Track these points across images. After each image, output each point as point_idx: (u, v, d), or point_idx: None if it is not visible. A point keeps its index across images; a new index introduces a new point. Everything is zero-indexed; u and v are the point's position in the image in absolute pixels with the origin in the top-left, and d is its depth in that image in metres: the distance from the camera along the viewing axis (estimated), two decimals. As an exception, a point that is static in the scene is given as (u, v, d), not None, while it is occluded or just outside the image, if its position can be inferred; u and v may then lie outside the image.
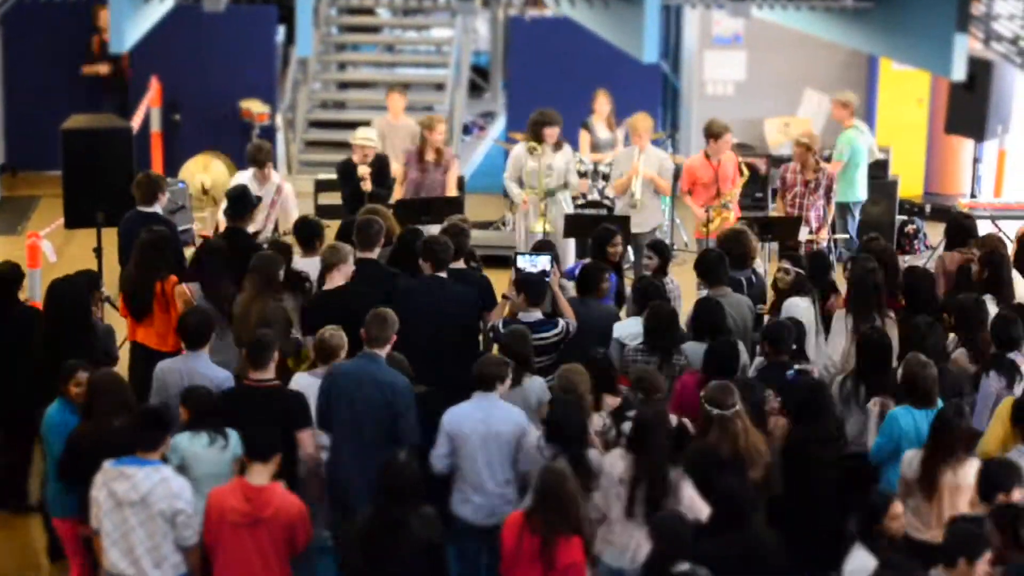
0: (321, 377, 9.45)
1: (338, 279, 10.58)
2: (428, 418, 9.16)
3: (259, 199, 12.58)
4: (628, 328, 10.37)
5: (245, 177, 13.36)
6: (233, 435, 8.73)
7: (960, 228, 12.37)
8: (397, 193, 14.24)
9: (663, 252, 11.36)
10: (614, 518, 8.48)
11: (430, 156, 14.36)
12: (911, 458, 8.78)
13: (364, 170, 13.78)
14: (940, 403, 9.20)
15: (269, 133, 19.61)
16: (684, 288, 11.53)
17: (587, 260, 11.65)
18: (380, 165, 13.91)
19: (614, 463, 8.51)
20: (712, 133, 14.36)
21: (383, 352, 9.32)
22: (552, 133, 14.18)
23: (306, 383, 9.53)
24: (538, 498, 7.99)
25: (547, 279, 10.62)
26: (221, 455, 8.66)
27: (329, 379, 9.30)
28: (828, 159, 15.24)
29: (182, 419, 8.84)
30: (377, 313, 9.39)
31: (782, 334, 9.88)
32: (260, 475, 8.18)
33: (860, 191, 15.67)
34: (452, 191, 14.34)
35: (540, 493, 7.99)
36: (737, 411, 8.75)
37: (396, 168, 15.11)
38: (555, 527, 7.86)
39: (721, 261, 10.93)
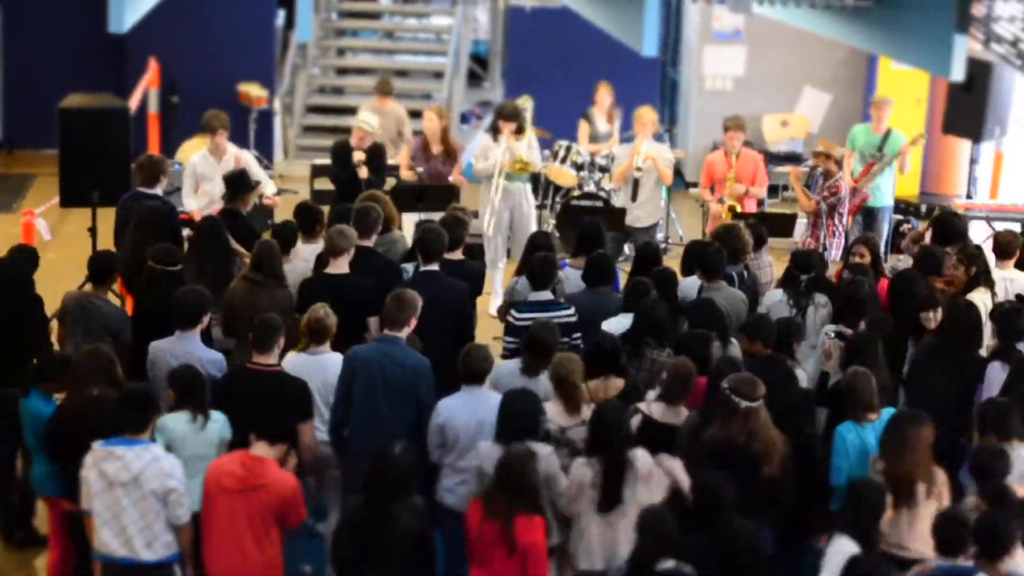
0: (314, 356, 9.46)
1: (343, 265, 10.56)
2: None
3: (257, 182, 12.57)
4: (614, 324, 10.30)
5: (198, 157, 13.37)
6: (219, 417, 8.74)
7: (948, 226, 12.36)
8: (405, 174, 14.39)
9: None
10: (586, 524, 8.42)
11: (435, 148, 14.34)
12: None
13: (359, 156, 13.77)
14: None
15: (267, 117, 19.65)
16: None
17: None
18: (376, 154, 13.90)
19: (581, 471, 8.46)
20: (723, 127, 14.45)
21: (402, 335, 9.31)
22: (507, 126, 14.29)
23: (298, 362, 9.51)
24: (497, 479, 8.00)
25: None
26: (203, 435, 8.66)
27: (350, 365, 9.23)
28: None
29: (171, 398, 8.83)
30: (395, 295, 9.37)
31: (761, 328, 9.84)
32: (263, 451, 8.22)
33: None
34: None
35: (499, 473, 7.99)
36: (761, 405, 8.63)
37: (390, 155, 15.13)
38: (513, 507, 7.87)
39: (719, 255, 10.90)
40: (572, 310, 10.34)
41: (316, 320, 9.53)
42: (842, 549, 7.69)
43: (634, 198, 14.41)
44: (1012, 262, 11.76)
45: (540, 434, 8.62)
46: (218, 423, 8.72)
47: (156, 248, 10.59)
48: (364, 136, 13.84)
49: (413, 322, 9.37)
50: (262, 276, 10.41)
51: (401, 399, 9.10)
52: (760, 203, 14.57)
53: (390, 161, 15.12)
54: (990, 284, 11.35)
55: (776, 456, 8.64)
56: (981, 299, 11.13)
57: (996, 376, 9.84)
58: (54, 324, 10.59)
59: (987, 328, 10.61)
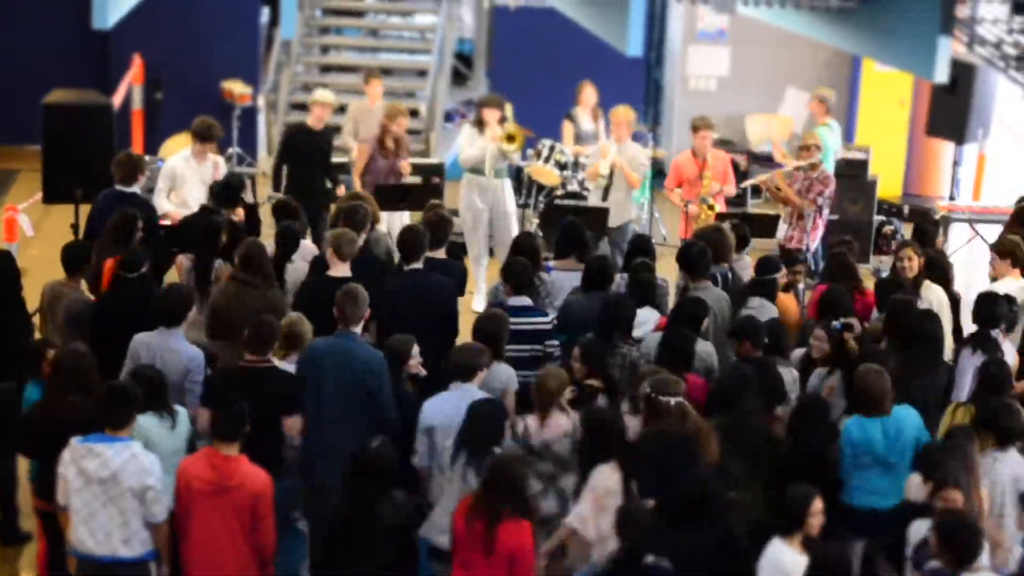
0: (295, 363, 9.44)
1: (344, 269, 10.46)
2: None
3: (243, 184, 12.57)
4: (646, 325, 10.25)
5: (179, 160, 13.35)
6: (182, 412, 8.76)
7: (921, 230, 12.41)
8: (357, 181, 14.46)
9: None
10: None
11: (389, 144, 14.43)
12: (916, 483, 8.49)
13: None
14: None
15: (250, 114, 19.62)
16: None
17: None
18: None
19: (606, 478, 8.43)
20: (692, 127, 14.40)
21: (358, 329, 9.32)
22: (492, 115, 14.36)
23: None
24: (485, 481, 7.99)
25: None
26: (174, 432, 8.68)
27: (305, 358, 9.26)
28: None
29: None
30: (348, 291, 9.36)
31: (755, 329, 9.85)
32: (228, 448, 8.20)
33: None
34: (403, 177, 14.48)
35: (488, 475, 7.99)
36: (683, 400, 8.68)
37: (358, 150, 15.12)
38: (498, 510, 7.84)
39: (704, 255, 10.91)
40: (550, 317, 10.33)
41: (291, 327, 9.54)
42: (777, 555, 7.72)
43: (604, 198, 14.38)
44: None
45: (503, 441, 8.60)
46: (183, 417, 8.76)
47: (123, 253, 10.57)
48: (323, 112, 13.97)
49: (367, 315, 9.39)
50: (251, 277, 10.36)
51: (356, 393, 9.08)
52: (743, 203, 14.57)
53: (342, 159, 15.14)
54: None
55: (711, 442, 8.63)
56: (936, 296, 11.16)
57: (969, 365, 9.82)
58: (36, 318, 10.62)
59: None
